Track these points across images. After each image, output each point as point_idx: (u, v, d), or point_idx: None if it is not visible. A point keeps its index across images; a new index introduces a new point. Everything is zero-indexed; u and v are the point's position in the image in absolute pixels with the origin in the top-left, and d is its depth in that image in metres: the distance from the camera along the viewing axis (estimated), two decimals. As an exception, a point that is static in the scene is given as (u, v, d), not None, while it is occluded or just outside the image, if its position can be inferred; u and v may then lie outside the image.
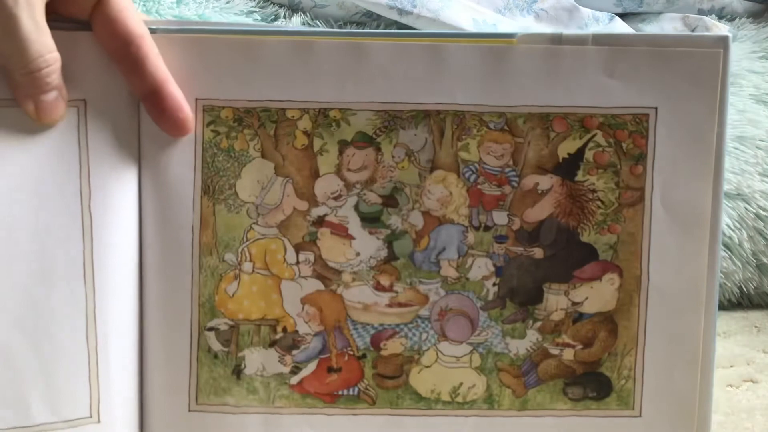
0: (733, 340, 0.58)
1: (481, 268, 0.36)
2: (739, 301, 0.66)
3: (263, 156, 0.35)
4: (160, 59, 0.33)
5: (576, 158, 0.35)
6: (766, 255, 0.64)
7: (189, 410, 0.36)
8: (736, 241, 0.63)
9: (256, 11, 0.67)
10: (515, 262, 0.36)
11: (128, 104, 0.34)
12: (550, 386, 0.36)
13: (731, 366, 0.52)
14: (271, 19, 0.68)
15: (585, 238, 0.35)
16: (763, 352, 0.55)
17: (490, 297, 0.36)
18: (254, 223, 0.35)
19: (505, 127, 0.35)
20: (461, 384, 0.36)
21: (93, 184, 0.34)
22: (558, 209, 0.35)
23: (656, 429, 0.36)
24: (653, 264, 0.35)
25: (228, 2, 0.66)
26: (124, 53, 0.33)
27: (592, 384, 0.36)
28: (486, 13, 0.70)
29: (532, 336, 0.36)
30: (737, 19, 0.78)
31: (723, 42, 0.33)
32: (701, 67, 0.33)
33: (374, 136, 0.35)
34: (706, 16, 0.76)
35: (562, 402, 0.36)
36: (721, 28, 0.74)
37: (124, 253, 0.34)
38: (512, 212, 0.35)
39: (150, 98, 0.34)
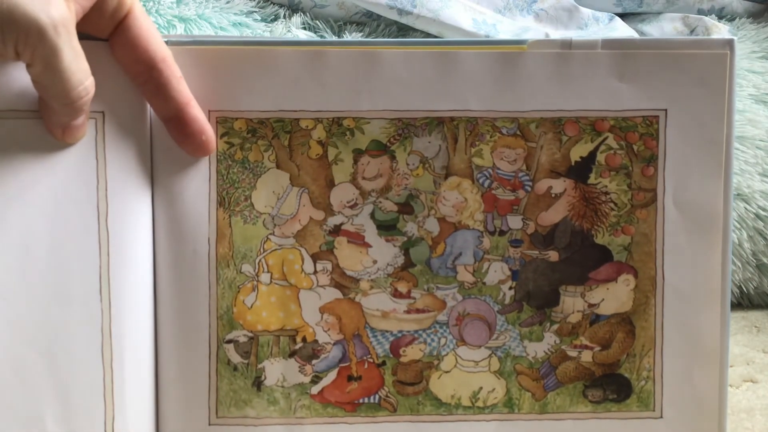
0: (733, 340, 0.59)
1: (497, 272, 0.37)
2: (739, 301, 0.68)
3: (278, 166, 0.36)
4: (183, 82, 0.34)
5: (588, 161, 0.37)
6: (766, 255, 0.66)
7: (209, 424, 0.37)
8: (736, 241, 0.65)
9: (255, 11, 0.68)
10: (531, 266, 0.37)
11: (141, 116, 0.35)
12: (570, 389, 0.38)
13: (731, 366, 0.54)
14: (271, 19, 0.69)
15: (599, 239, 0.37)
16: (763, 352, 0.57)
17: (507, 301, 0.37)
18: (271, 233, 0.37)
19: (518, 132, 0.37)
20: (481, 388, 0.38)
21: (110, 198, 0.34)
22: (572, 212, 0.37)
23: (678, 430, 0.37)
24: (668, 264, 0.37)
25: (228, 2, 0.67)
26: (146, 77, 0.33)
27: (612, 386, 0.38)
28: (486, 13, 0.71)
29: (550, 338, 0.38)
30: (737, 19, 0.80)
31: (729, 44, 0.35)
32: (709, 69, 0.35)
33: (388, 144, 0.36)
34: (706, 16, 0.78)
35: (582, 404, 0.38)
36: (721, 29, 0.75)
37: (139, 267, 0.35)
38: (526, 216, 0.37)
39: (172, 121, 0.34)
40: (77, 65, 0.30)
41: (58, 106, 0.32)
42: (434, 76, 0.36)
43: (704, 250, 0.37)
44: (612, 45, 0.35)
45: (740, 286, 0.67)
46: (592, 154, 0.37)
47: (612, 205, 0.37)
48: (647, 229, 0.37)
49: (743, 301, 0.68)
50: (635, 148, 0.37)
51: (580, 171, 0.37)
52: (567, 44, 0.35)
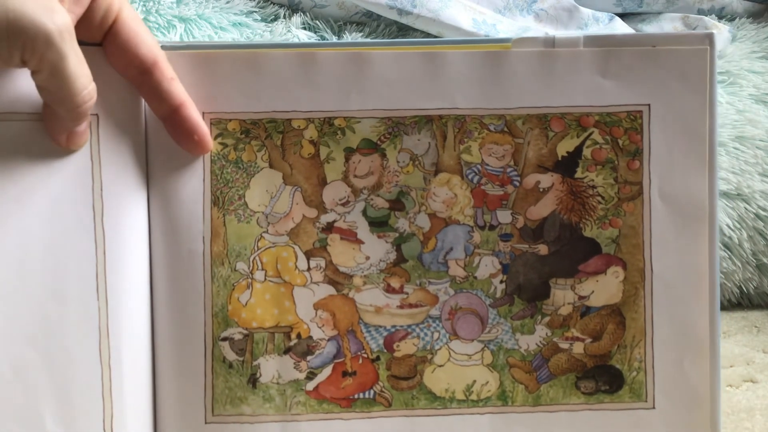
0: (733, 340, 0.61)
1: (488, 266, 0.39)
2: (739, 301, 0.69)
3: (271, 166, 0.38)
4: (175, 83, 0.36)
5: (574, 156, 0.39)
6: (766, 255, 0.67)
7: (205, 422, 0.38)
8: (736, 241, 0.66)
9: (255, 11, 0.70)
10: (521, 259, 0.39)
11: (136, 117, 0.37)
12: (563, 381, 0.39)
13: (731, 366, 0.55)
14: (271, 19, 0.70)
15: (587, 232, 0.39)
16: (763, 352, 0.58)
17: (498, 294, 0.39)
18: (264, 231, 0.38)
19: (505, 129, 0.39)
20: (474, 381, 0.39)
21: (105, 198, 0.36)
22: (560, 206, 0.39)
23: (670, 420, 0.39)
24: (655, 255, 0.39)
25: (228, 2, 0.69)
26: (140, 80, 0.35)
27: (604, 377, 0.39)
28: (486, 13, 0.72)
29: (541, 331, 0.39)
30: (737, 19, 0.81)
31: (709, 39, 0.37)
32: (690, 64, 0.37)
33: (379, 142, 0.38)
34: (706, 16, 0.79)
35: (575, 396, 0.39)
36: (721, 28, 0.77)
37: (135, 266, 0.37)
38: (515, 210, 0.39)
39: (168, 120, 0.36)
40: (81, 70, 0.32)
41: (64, 112, 0.33)
42: (422, 76, 0.38)
43: (691, 241, 0.38)
44: (594, 42, 0.38)
45: (740, 286, 0.68)
46: (579, 149, 0.39)
47: (599, 198, 0.39)
48: (634, 222, 0.39)
49: (743, 301, 0.70)
50: (620, 142, 0.39)
51: (567, 165, 0.39)
52: (550, 42, 0.38)
